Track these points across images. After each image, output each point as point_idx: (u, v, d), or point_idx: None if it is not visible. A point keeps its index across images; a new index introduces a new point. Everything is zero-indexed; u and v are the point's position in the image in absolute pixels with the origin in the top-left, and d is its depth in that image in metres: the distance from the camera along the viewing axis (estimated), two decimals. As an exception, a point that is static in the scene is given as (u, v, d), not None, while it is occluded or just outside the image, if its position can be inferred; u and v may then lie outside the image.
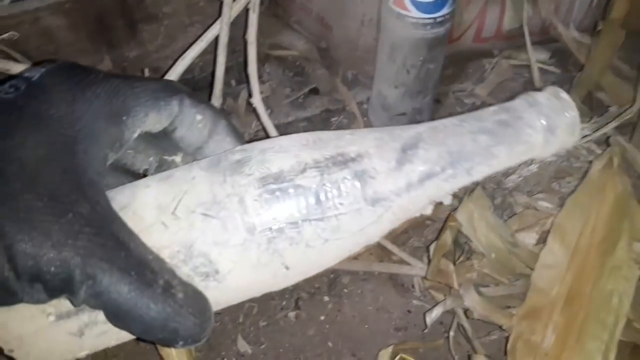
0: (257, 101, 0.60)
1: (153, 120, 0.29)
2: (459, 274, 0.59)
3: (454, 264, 0.60)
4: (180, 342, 0.25)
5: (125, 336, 0.27)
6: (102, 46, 0.73)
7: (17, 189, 0.22)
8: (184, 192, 0.27)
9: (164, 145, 0.32)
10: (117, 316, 0.23)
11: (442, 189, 0.30)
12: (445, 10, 0.66)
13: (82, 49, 0.71)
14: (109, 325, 0.24)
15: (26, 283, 0.22)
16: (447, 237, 0.61)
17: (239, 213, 0.26)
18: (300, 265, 0.28)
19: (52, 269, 0.22)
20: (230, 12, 0.59)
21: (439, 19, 0.66)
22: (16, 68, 0.54)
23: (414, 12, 0.65)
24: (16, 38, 0.60)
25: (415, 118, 0.79)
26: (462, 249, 0.63)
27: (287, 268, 0.28)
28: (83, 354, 0.28)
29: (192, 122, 0.30)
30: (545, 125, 0.31)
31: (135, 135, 0.28)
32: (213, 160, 0.29)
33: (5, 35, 0.54)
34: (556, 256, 0.56)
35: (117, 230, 0.24)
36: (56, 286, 0.22)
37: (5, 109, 0.24)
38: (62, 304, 0.25)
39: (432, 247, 0.63)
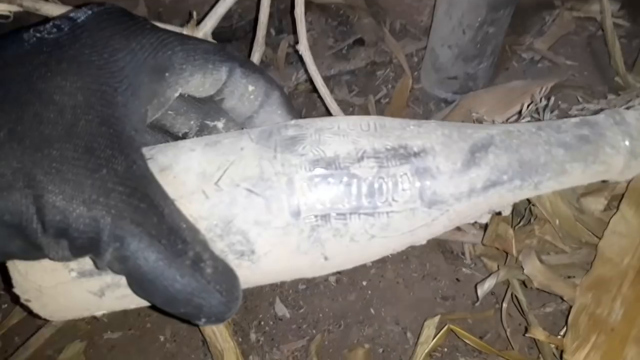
0: (303, 48, 0.55)
1: (197, 83, 0.27)
2: (518, 240, 0.54)
3: (513, 229, 0.55)
4: (203, 319, 0.23)
5: (145, 302, 0.25)
6: (138, -10, 0.70)
7: (53, 136, 0.21)
8: (230, 162, 0.25)
9: (207, 110, 0.31)
10: (141, 285, 0.22)
11: (505, 200, 0.29)
12: None
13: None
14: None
15: (52, 238, 0.21)
16: None
17: (286, 195, 0.25)
18: (340, 257, 0.27)
19: (81, 226, 0.21)
20: None
21: None
22: (46, 8, 0.51)
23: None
24: None
25: (467, 84, 0.73)
26: (521, 214, 0.58)
27: (325, 259, 0.26)
28: (100, 313, 0.27)
29: (244, 92, 0.29)
30: (628, 147, 0.29)
31: (177, 94, 0.27)
32: (264, 132, 0.27)
33: None
34: (629, 223, 0.51)
35: (152, 193, 0.22)
36: (82, 245, 0.21)
37: (47, 49, 0.23)
38: (86, 261, 0.24)
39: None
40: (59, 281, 0.25)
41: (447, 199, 0.27)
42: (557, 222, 0.53)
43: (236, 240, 0.25)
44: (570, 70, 0.79)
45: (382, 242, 0.27)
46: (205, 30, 0.56)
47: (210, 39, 0.57)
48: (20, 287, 0.25)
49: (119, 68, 0.24)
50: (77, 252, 0.22)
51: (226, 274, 0.24)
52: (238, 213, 0.24)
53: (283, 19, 0.80)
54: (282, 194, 0.25)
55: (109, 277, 0.25)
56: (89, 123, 0.22)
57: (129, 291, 0.23)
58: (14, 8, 0.50)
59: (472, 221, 0.29)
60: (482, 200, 0.28)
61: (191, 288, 0.22)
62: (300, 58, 0.56)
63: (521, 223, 0.57)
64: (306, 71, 0.57)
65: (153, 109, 0.26)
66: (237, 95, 0.29)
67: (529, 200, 0.55)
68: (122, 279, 0.23)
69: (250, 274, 0.26)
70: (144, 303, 0.25)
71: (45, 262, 0.23)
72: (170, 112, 0.30)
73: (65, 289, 0.25)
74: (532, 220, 0.56)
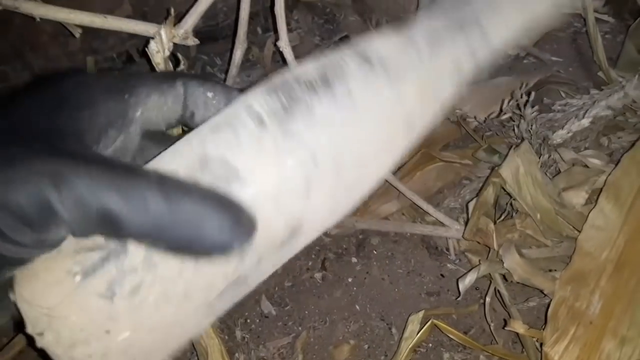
0: (284, 44, 0.55)
1: (158, 102, 0.28)
2: (499, 234, 0.55)
3: (494, 223, 0.56)
4: (211, 248, 0.21)
5: (166, 294, 0.24)
6: (121, -11, 0.70)
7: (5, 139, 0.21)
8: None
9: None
10: (115, 223, 0.20)
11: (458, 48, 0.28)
12: None
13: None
14: (140, 274, 0.22)
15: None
16: (489, 193, 0.57)
17: (246, 114, 0.24)
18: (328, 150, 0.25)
19: (19, 190, 0.19)
20: None
21: None
22: (25, 6, 0.51)
23: None
24: None
25: None
26: (502, 209, 0.59)
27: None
28: (121, 336, 0.24)
29: (205, 100, 0.29)
30: None
31: (138, 114, 0.27)
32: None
33: None
34: (608, 217, 0.52)
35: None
36: (32, 212, 0.19)
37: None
38: (86, 257, 0.23)
39: (471, 205, 0.59)
40: (65, 293, 0.23)
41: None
42: (538, 216, 0.54)
43: (215, 167, 0.24)
44: (555, 66, 0.80)
45: (362, 124, 0.26)
46: (186, 27, 0.56)
47: (191, 36, 0.57)
48: (29, 318, 0.23)
49: (81, 91, 0.25)
50: (31, 223, 0.20)
51: (210, 191, 0.22)
52: (209, 146, 0.24)
53: (269, 18, 0.80)
54: (244, 117, 0.24)
55: (112, 265, 0.23)
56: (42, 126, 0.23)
57: (138, 278, 0.22)
58: None
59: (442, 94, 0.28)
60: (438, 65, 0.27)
61: (169, 206, 0.20)
62: (281, 56, 0.56)
63: (502, 217, 0.58)
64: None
65: (116, 129, 0.26)
66: (200, 104, 0.30)
67: (510, 195, 0.56)
68: (126, 262, 0.22)
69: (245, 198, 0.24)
70: (165, 301, 0.24)
71: (47, 276, 0.22)
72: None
73: (74, 301, 0.23)
74: (513, 215, 0.57)
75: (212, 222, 0.21)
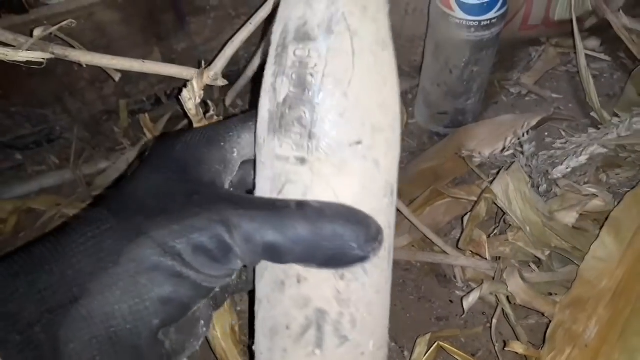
0: None
1: (248, 140, 0.32)
2: (492, 247, 0.61)
3: (488, 237, 0.62)
4: (355, 251, 0.26)
5: (369, 335, 0.29)
6: (152, 39, 0.77)
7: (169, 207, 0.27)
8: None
9: None
10: (276, 252, 0.26)
11: None
12: (491, 15, 0.65)
13: (133, 42, 0.75)
14: (340, 322, 0.27)
15: (190, 259, 0.26)
16: (482, 208, 0.63)
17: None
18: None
19: (203, 235, 0.26)
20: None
21: (484, 23, 0.66)
22: (74, 54, 0.56)
23: (458, 13, 0.65)
24: (74, 25, 0.63)
25: (457, 119, 0.80)
26: (496, 224, 0.65)
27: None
28: None
29: None
30: None
31: (235, 154, 0.32)
32: None
33: (64, 23, 0.58)
34: (608, 250, 0.57)
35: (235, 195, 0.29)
36: (215, 250, 0.26)
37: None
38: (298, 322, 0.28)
39: (465, 219, 0.65)
40: None
41: None
42: (528, 228, 0.60)
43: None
44: (555, 103, 0.85)
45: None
46: (215, 70, 0.62)
47: (220, 77, 0.63)
48: None
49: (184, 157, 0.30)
50: (216, 259, 0.26)
51: (336, 206, 0.27)
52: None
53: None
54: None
55: (313, 331, 0.28)
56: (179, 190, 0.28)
57: (338, 324, 0.27)
58: (47, 55, 0.55)
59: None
60: None
61: (312, 225, 0.26)
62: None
63: (496, 232, 0.64)
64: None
65: (227, 174, 0.31)
66: None
67: (502, 211, 0.62)
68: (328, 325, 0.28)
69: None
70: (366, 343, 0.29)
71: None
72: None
73: None
74: (506, 230, 0.62)
75: (350, 238, 0.26)
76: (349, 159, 0.27)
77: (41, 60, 0.56)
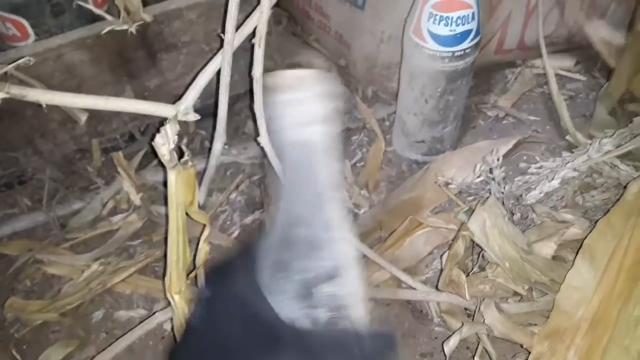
0: (264, 142, 0.62)
1: None
2: (472, 285, 0.61)
3: (467, 275, 0.62)
4: None
5: None
6: (123, 77, 0.78)
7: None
8: None
9: None
10: None
11: None
12: (465, 45, 0.67)
13: (104, 82, 0.76)
14: None
15: None
16: (459, 246, 0.64)
17: None
18: None
19: None
20: (231, 51, 0.60)
21: (457, 53, 0.67)
22: (32, 94, 0.56)
23: (431, 44, 0.66)
24: (31, 64, 0.63)
25: (435, 146, 0.81)
26: (474, 261, 0.66)
27: None
28: None
29: None
30: None
31: None
32: None
33: (20, 61, 0.58)
34: (583, 278, 0.58)
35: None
36: None
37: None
38: None
39: (444, 257, 0.66)
40: None
41: None
42: (507, 264, 0.61)
43: None
44: (533, 126, 0.87)
45: None
46: (186, 104, 0.62)
47: (192, 111, 0.63)
48: None
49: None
50: None
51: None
52: None
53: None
54: None
55: None
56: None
57: None
58: (1, 95, 0.54)
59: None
60: None
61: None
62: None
63: (475, 269, 0.64)
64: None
65: None
66: None
67: (480, 247, 0.63)
68: None
69: None
70: None
71: None
72: None
73: None
74: (485, 267, 0.63)
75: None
76: None
77: None
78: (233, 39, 0.59)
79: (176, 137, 0.56)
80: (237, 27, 0.60)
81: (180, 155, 0.57)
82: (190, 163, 0.57)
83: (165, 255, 0.58)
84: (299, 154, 0.36)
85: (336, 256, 0.35)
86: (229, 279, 0.36)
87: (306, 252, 0.35)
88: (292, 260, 0.35)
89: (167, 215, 0.56)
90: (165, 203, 0.57)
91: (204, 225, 0.63)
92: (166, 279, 0.59)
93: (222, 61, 0.60)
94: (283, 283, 0.35)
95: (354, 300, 0.36)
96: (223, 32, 0.60)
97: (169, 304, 0.58)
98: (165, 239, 0.57)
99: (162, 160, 0.56)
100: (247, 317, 0.33)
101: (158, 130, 0.53)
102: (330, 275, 0.35)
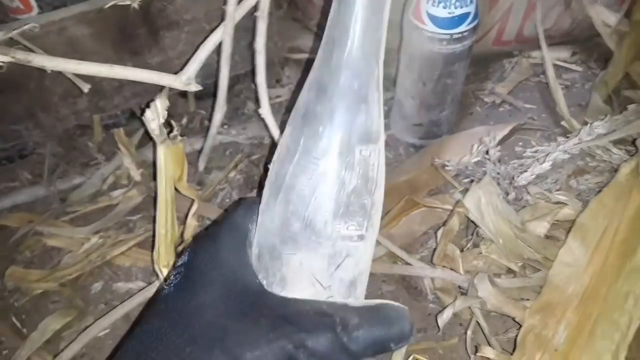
0: (266, 113, 0.63)
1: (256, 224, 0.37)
2: (466, 261, 0.63)
3: (462, 251, 0.64)
4: (395, 345, 0.32)
5: None
6: (125, 54, 0.79)
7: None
8: None
9: None
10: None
11: None
12: (462, 28, 0.68)
13: (106, 57, 0.77)
14: None
15: None
16: (454, 222, 0.66)
17: None
18: None
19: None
20: (232, 21, 0.61)
21: (455, 36, 0.68)
22: (37, 60, 0.57)
23: (430, 26, 0.68)
24: (37, 30, 0.64)
25: (432, 130, 0.82)
26: (469, 237, 0.68)
27: None
28: None
29: None
30: None
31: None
32: None
33: (26, 27, 0.58)
34: (575, 255, 0.60)
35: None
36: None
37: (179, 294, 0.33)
38: None
39: (439, 233, 0.67)
40: None
41: None
42: (501, 241, 0.62)
43: None
44: (528, 113, 0.89)
45: None
46: (188, 74, 0.62)
47: (193, 82, 0.63)
48: None
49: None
50: None
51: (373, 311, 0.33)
52: None
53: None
54: None
55: None
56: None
57: None
58: (7, 59, 0.56)
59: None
60: None
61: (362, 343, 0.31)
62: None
63: (469, 245, 0.66)
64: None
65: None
66: None
67: (475, 224, 0.64)
68: None
69: None
70: None
71: None
72: None
73: None
74: (479, 243, 0.65)
75: (392, 339, 0.33)
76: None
77: (0, 63, 0.56)
78: (235, 10, 0.60)
79: (165, 112, 0.57)
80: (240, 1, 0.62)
81: (170, 130, 0.58)
82: (179, 138, 0.58)
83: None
84: None
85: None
86: (212, 246, 0.34)
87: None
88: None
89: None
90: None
91: (193, 201, 0.65)
92: (154, 252, 0.60)
93: (223, 33, 0.61)
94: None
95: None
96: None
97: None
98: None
99: (152, 135, 0.56)
100: (228, 284, 0.32)
101: (147, 105, 0.54)
102: (370, 136, 0.34)
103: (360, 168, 0.33)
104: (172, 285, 0.33)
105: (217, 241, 0.34)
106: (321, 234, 0.33)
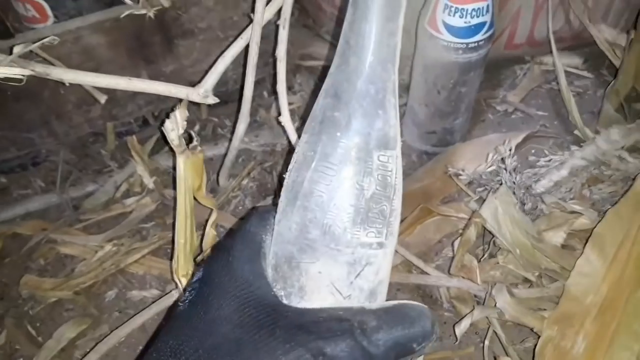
0: (285, 120, 0.63)
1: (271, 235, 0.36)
2: (483, 271, 0.63)
3: (479, 261, 0.64)
4: (418, 345, 0.30)
5: None
6: (140, 62, 0.79)
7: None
8: None
9: None
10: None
11: None
12: (478, 37, 0.68)
13: (120, 66, 0.77)
14: None
15: None
16: (471, 232, 0.66)
17: None
18: None
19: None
20: (260, 29, 0.61)
21: (471, 45, 0.69)
22: (55, 72, 0.57)
23: (445, 35, 0.68)
24: (56, 43, 0.64)
25: (445, 138, 0.82)
26: (486, 248, 0.68)
27: None
28: None
29: None
30: None
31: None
32: None
33: (45, 40, 0.59)
34: (593, 265, 0.60)
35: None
36: None
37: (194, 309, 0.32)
38: None
39: (456, 243, 0.67)
40: None
41: None
42: (518, 251, 0.62)
43: None
44: (541, 121, 0.89)
45: None
46: (206, 86, 0.62)
47: (211, 95, 0.63)
48: None
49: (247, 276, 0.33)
50: None
51: (393, 311, 0.32)
52: None
53: (274, 83, 0.89)
54: None
55: None
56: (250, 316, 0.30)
57: None
58: (27, 72, 0.55)
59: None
60: None
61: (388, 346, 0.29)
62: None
63: (486, 255, 0.66)
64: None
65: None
66: None
67: (492, 234, 0.64)
68: None
69: None
70: None
71: None
72: None
73: None
74: (496, 253, 0.65)
75: (414, 339, 0.31)
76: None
77: (20, 77, 0.56)
78: (262, 18, 0.60)
79: (185, 122, 0.57)
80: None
81: (189, 140, 0.58)
82: (199, 148, 0.58)
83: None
84: None
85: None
86: (225, 258, 0.33)
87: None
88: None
89: (178, 200, 0.57)
90: (178, 187, 0.58)
91: (212, 210, 0.65)
92: (173, 262, 0.60)
93: (250, 40, 0.62)
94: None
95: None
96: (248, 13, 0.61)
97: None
98: (178, 222, 0.58)
99: (171, 145, 0.56)
100: (242, 296, 0.31)
101: (167, 116, 0.55)
102: (387, 142, 0.33)
103: (379, 174, 0.32)
104: (186, 301, 0.32)
105: (231, 253, 0.33)
106: (340, 241, 0.32)
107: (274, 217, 0.35)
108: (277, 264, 0.34)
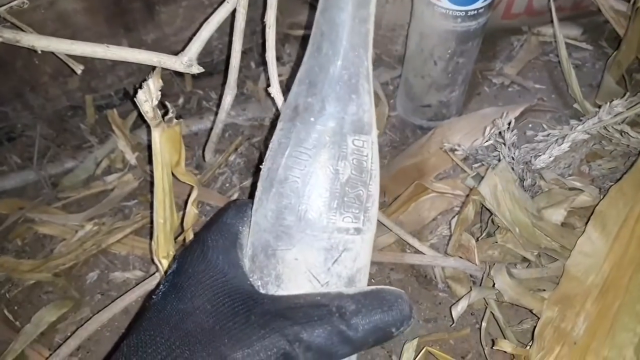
0: (275, 91, 0.60)
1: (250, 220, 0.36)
2: (481, 250, 0.61)
3: (476, 240, 0.62)
4: (396, 330, 0.31)
5: None
6: (119, 30, 0.75)
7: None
8: None
9: None
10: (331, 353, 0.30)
11: None
12: (478, 4, 0.65)
13: (99, 33, 0.73)
14: None
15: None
16: (470, 210, 0.63)
17: None
18: None
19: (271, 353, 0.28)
20: None
21: (470, 12, 0.65)
22: (26, 39, 0.53)
23: (444, 2, 0.65)
24: (26, 6, 0.60)
25: (441, 111, 0.80)
26: (484, 226, 0.65)
27: None
28: None
29: None
30: None
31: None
32: None
33: (13, 3, 0.54)
34: (594, 245, 0.58)
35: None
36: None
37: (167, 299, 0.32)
38: None
39: (453, 222, 0.65)
40: None
41: None
42: (517, 230, 0.60)
43: None
44: (538, 94, 0.86)
45: None
46: (190, 55, 0.59)
47: (195, 64, 0.60)
48: None
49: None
50: None
51: (370, 295, 0.31)
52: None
53: (262, 54, 0.86)
54: None
55: None
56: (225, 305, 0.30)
57: None
58: None
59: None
60: None
61: (369, 329, 0.30)
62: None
63: (484, 234, 0.64)
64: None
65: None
66: None
67: (490, 212, 0.62)
68: None
69: None
70: None
71: None
72: None
73: None
74: (494, 232, 0.63)
75: (391, 324, 0.31)
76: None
77: None
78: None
79: (159, 92, 0.53)
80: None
81: (165, 112, 0.54)
82: (175, 120, 0.54)
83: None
84: None
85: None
86: (200, 249, 0.33)
87: None
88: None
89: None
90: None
91: (192, 187, 0.62)
92: (153, 242, 0.57)
93: (237, 4, 0.58)
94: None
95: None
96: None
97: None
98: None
99: (145, 118, 0.53)
100: (217, 286, 0.31)
101: (140, 86, 0.51)
102: (362, 126, 0.33)
103: (354, 158, 0.33)
104: (160, 293, 0.32)
105: (206, 243, 0.33)
106: (316, 227, 0.32)
107: (252, 210, 0.35)
108: (254, 254, 0.34)
